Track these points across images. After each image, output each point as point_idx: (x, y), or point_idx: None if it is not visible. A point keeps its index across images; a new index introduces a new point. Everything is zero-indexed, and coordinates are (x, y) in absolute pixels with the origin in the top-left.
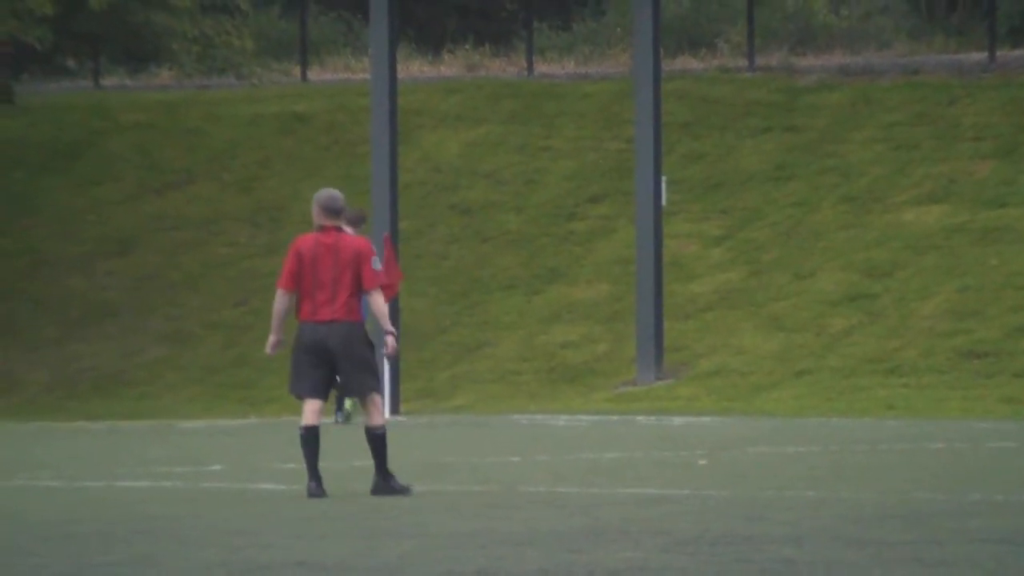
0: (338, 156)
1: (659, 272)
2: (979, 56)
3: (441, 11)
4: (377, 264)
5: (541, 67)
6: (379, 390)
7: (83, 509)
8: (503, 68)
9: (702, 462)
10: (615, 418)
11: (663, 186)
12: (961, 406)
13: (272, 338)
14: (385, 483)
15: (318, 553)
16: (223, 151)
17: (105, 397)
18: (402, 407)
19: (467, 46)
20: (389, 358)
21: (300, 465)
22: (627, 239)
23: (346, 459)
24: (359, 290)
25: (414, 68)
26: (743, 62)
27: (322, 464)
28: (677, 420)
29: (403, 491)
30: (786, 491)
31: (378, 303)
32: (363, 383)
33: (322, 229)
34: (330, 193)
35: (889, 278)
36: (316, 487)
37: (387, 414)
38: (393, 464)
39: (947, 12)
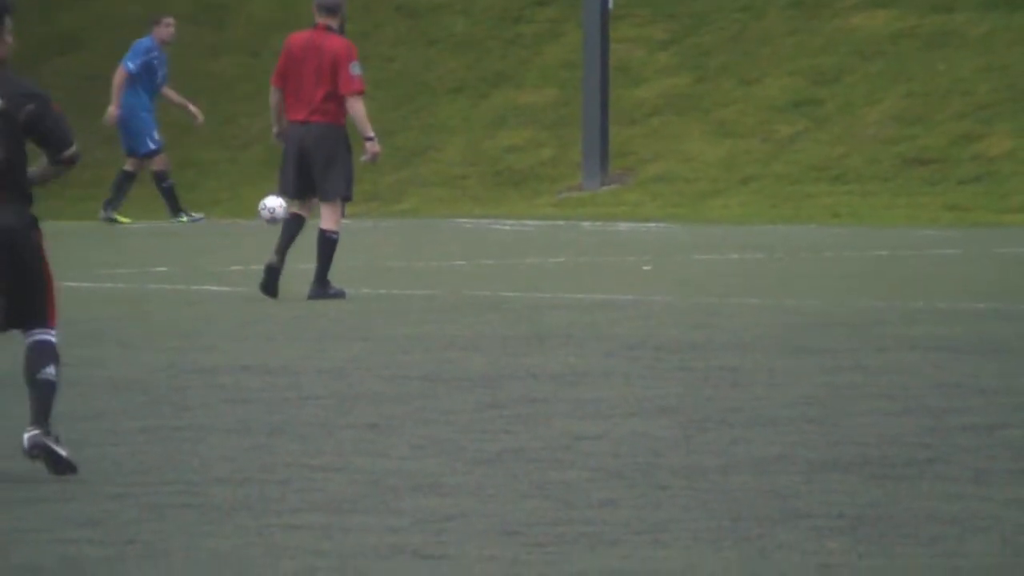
0: None
1: (605, 77)
2: None
3: None
4: (356, 69)
5: None
6: (343, 195)
7: None
8: None
9: (647, 268)
10: (560, 223)
11: None
12: (906, 213)
13: (274, 129)
14: (322, 288)
15: (263, 356)
16: None
17: (48, 197)
18: (346, 210)
19: None
20: (371, 163)
21: (246, 267)
22: (574, 43)
23: (291, 261)
24: (335, 92)
25: None
26: None
27: (262, 266)
28: (622, 226)
29: (339, 295)
30: (730, 298)
31: (355, 108)
32: (329, 185)
33: (315, 27)
34: None
35: (835, 84)
36: (275, 261)
37: None
38: (338, 267)
39: None
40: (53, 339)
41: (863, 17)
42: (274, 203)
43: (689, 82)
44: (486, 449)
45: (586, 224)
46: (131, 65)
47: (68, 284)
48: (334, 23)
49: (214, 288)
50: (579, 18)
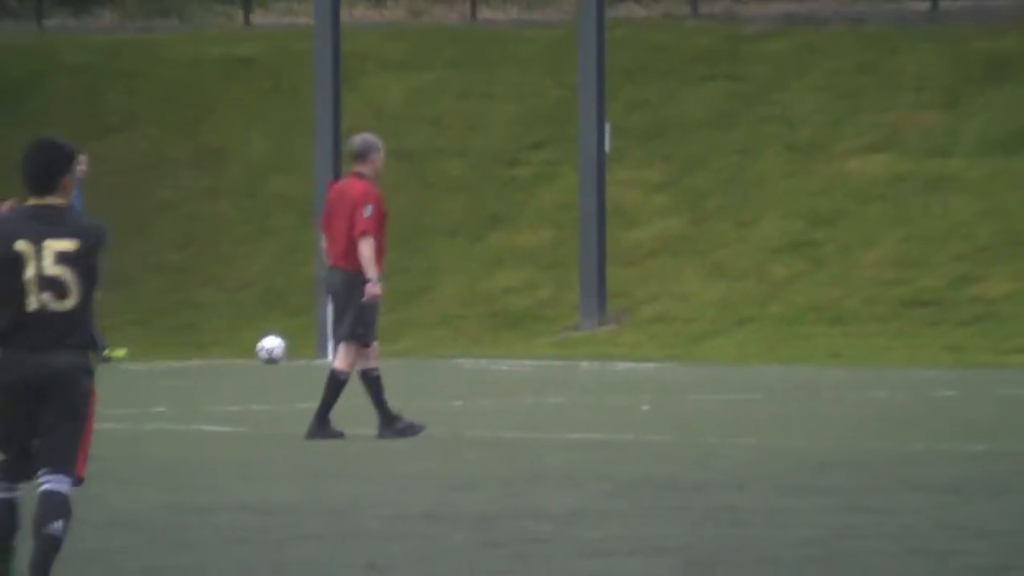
0: (281, 100)
1: (602, 218)
2: (922, 6)
3: None
4: (367, 211)
5: (484, 13)
6: (356, 337)
7: None
8: (446, 14)
9: (645, 408)
10: (558, 363)
11: (607, 133)
12: (905, 355)
13: None
14: (320, 428)
15: (263, 495)
16: (166, 94)
17: None
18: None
19: None
20: (366, 304)
21: (245, 407)
22: (570, 185)
23: (289, 401)
24: (353, 236)
25: (358, 12)
26: (686, 9)
27: (261, 406)
28: (620, 366)
29: (336, 436)
30: (728, 438)
31: (361, 250)
32: (342, 328)
33: (350, 174)
34: (354, 138)
35: (832, 226)
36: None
37: (329, 357)
38: (337, 407)
39: None
40: (68, 492)
41: (860, 161)
42: (272, 344)
43: (685, 224)
44: None
45: (584, 364)
46: None
47: None
48: (364, 168)
49: (213, 428)
50: (574, 160)
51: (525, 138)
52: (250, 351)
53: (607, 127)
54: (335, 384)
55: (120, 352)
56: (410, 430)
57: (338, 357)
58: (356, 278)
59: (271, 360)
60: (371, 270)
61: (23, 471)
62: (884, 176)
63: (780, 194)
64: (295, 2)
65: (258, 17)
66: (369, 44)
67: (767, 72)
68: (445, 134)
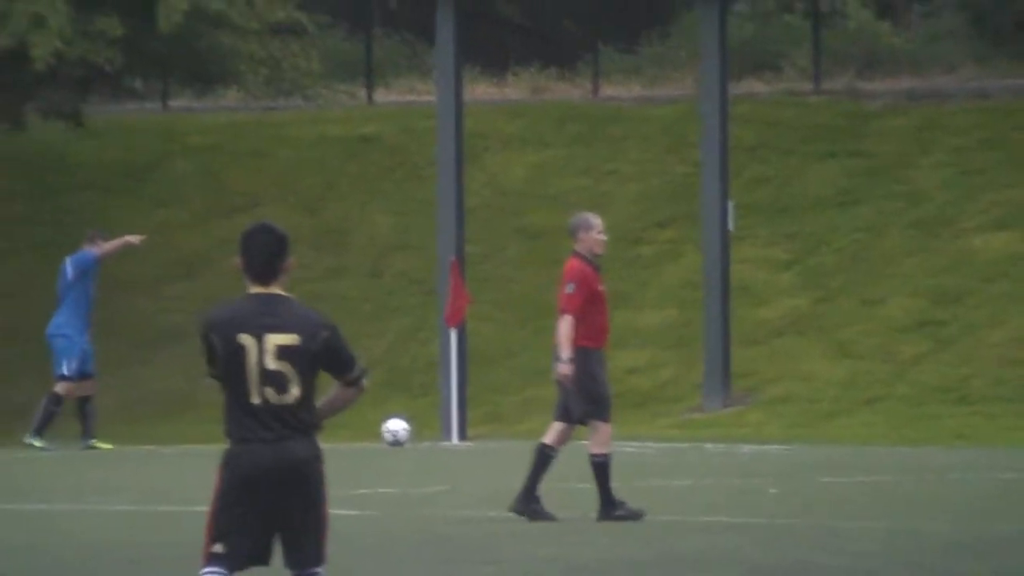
0: (403, 178)
1: (726, 297)
2: None
3: (506, 33)
4: (569, 288)
5: (607, 90)
6: (594, 416)
7: (156, 534)
8: (568, 91)
9: (772, 490)
10: (683, 445)
11: (730, 210)
12: None
13: None
14: (606, 511)
15: None
16: (288, 173)
17: (172, 421)
18: (469, 432)
19: (532, 68)
20: (559, 383)
21: (372, 491)
22: (694, 263)
23: (416, 484)
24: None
25: (479, 90)
26: (809, 85)
27: (388, 490)
28: (745, 448)
29: (631, 516)
30: (859, 521)
31: (558, 327)
32: (577, 409)
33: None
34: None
35: (958, 305)
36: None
37: (455, 439)
38: (463, 489)
39: (1014, 36)
40: None
41: (984, 238)
42: (396, 426)
43: (810, 302)
44: None
45: (708, 446)
46: (70, 272)
47: (195, 509)
48: (577, 246)
49: (341, 512)
50: (698, 239)
51: (649, 216)
52: (375, 433)
53: (730, 205)
54: (595, 468)
55: (107, 445)
56: (631, 516)
57: (590, 439)
58: (575, 354)
59: (396, 443)
60: (564, 349)
61: (241, 562)
62: (1010, 253)
63: (905, 272)
64: (417, 80)
65: (380, 95)
66: (491, 122)
67: (891, 148)
68: (568, 211)
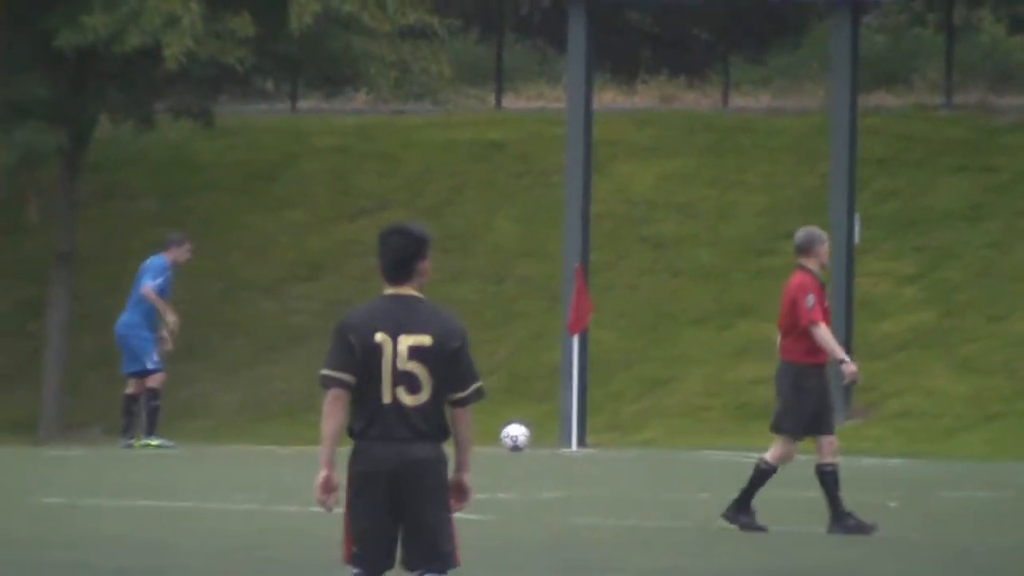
0: (530, 184)
1: (850, 310)
2: None
3: (636, 41)
4: (809, 301)
5: (736, 100)
6: (819, 431)
7: (280, 535)
8: (697, 100)
9: (892, 504)
10: (803, 458)
11: (857, 223)
12: None
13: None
14: (837, 523)
15: None
16: (416, 177)
17: (294, 421)
18: (588, 439)
19: (662, 77)
20: (800, 398)
21: (491, 495)
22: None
23: (535, 490)
24: (794, 329)
25: (608, 97)
26: (940, 99)
27: (507, 495)
28: (865, 461)
29: (858, 530)
30: (984, 537)
31: (816, 337)
32: (799, 424)
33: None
34: (798, 231)
35: None
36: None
37: (574, 446)
38: (581, 496)
39: None
40: None
41: None
42: (516, 431)
43: (935, 317)
44: None
45: None
46: (152, 284)
47: (317, 510)
48: (807, 261)
49: (460, 515)
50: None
51: (776, 228)
52: (494, 438)
53: (857, 218)
54: (758, 474)
55: (155, 442)
56: (859, 529)
57: (770, 449)
58: (790, 369)
59: (516, 448)
60: (836, 351)
61: (382, 563)
62: None
63: None
64: (546, 87)
65: (509, 101)
66: (619, 130)
67: (1021, 164)
68: (694, 222)
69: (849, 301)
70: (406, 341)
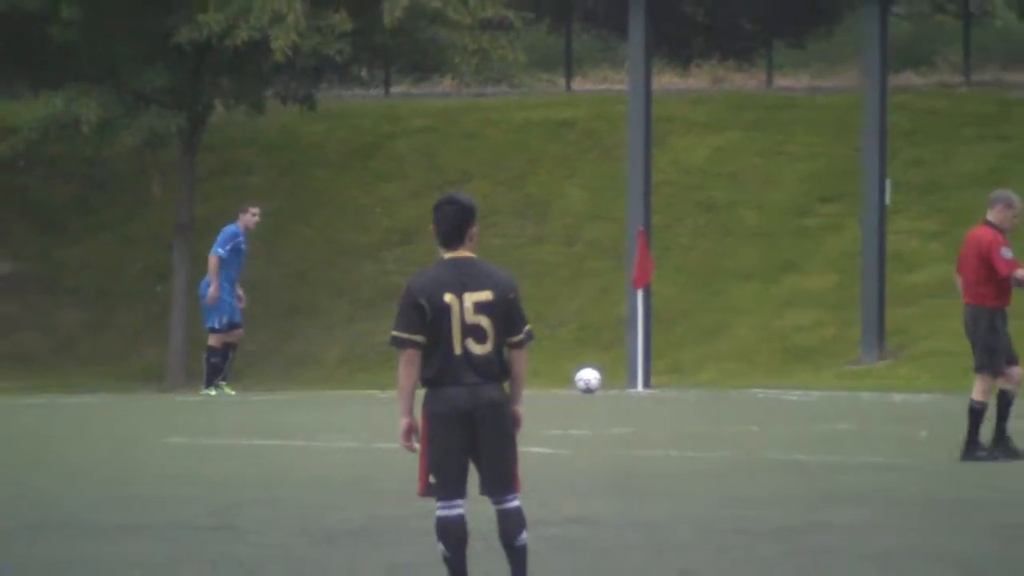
0: (597, 158)
1: (882, 264)
2: None
3: (690, 29)
4: (1006, 252)
5: (779, 81)
6: (981, 368)
7: (377, 469)
8: (745, 81)
9: (923, 435)
10: (842, 394)
11: (887, 188)
12: None
13: None
14: (971, 452)
15: (585, 510)
16: (496, 152)
17: (391, 369)
18: (652, 381)
19: (713, 61)
20: (989, 336)
21: (565, 432)
22: (854, 235)
23: (605, 427)
24: (989, 278)
25: (665, 80)
26: (959, 78)
27: (579, 432)
28: (897, 397)
29: (989, 457)
30: (1005, 462)
31: (1017, 279)
32: (975, 360)
33: (983, 221)
34: (996, 191)
35: None
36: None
37: (639, 388)
38: (646, 432)
39: None
40: (520, 505)
41: None
42: (588, 375)
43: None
44: None
45: (865, 395)
46: (221, 251)
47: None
48: (991, 216)
49: (537, 450)
50: (858, 213)
51: (815, 192)
52: (568, 381)
53: (888, 183)
54: (973, 414)
55: (231, 390)
56: (1015, 454)
57: (974, 388)
58: (979, 313)
59: (588, 390)
60: None
61: (458, 490)
62: None
63: None
64: (610, 71)
65: (577, 84)
66: (676, 108)
67: None
68: (743, 188)
69: (881, 256)
70: (471, 298)
